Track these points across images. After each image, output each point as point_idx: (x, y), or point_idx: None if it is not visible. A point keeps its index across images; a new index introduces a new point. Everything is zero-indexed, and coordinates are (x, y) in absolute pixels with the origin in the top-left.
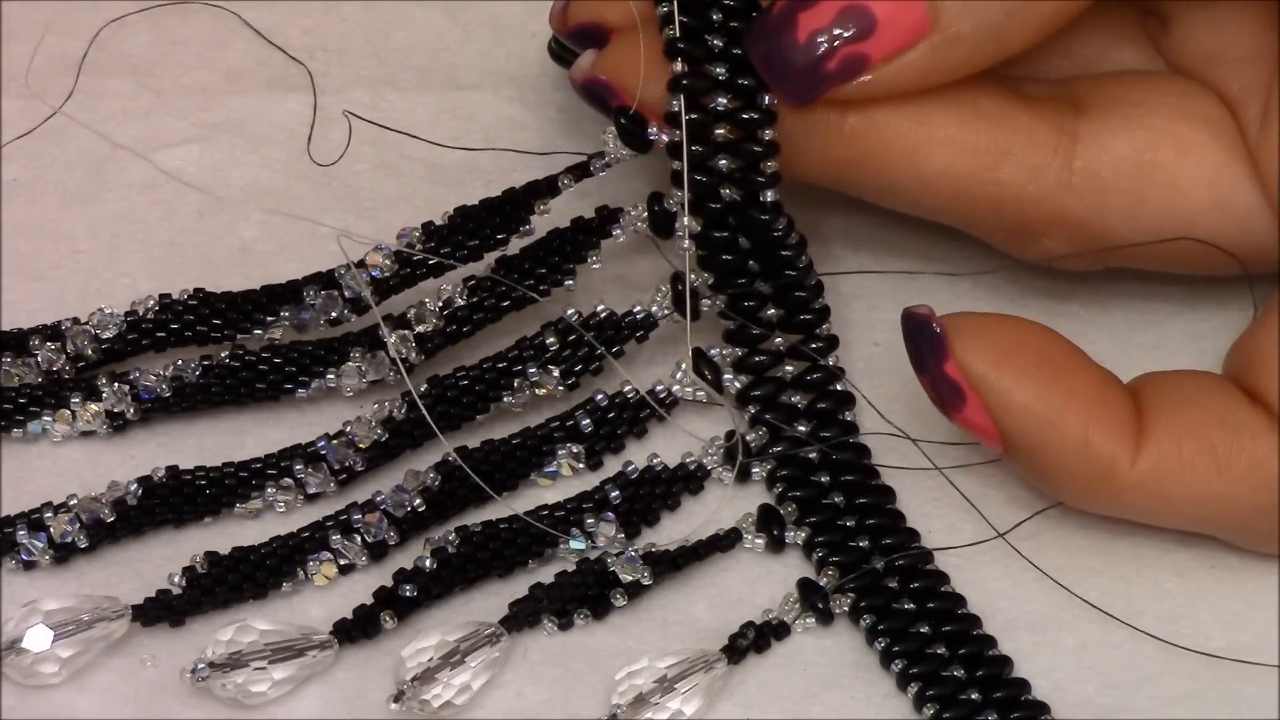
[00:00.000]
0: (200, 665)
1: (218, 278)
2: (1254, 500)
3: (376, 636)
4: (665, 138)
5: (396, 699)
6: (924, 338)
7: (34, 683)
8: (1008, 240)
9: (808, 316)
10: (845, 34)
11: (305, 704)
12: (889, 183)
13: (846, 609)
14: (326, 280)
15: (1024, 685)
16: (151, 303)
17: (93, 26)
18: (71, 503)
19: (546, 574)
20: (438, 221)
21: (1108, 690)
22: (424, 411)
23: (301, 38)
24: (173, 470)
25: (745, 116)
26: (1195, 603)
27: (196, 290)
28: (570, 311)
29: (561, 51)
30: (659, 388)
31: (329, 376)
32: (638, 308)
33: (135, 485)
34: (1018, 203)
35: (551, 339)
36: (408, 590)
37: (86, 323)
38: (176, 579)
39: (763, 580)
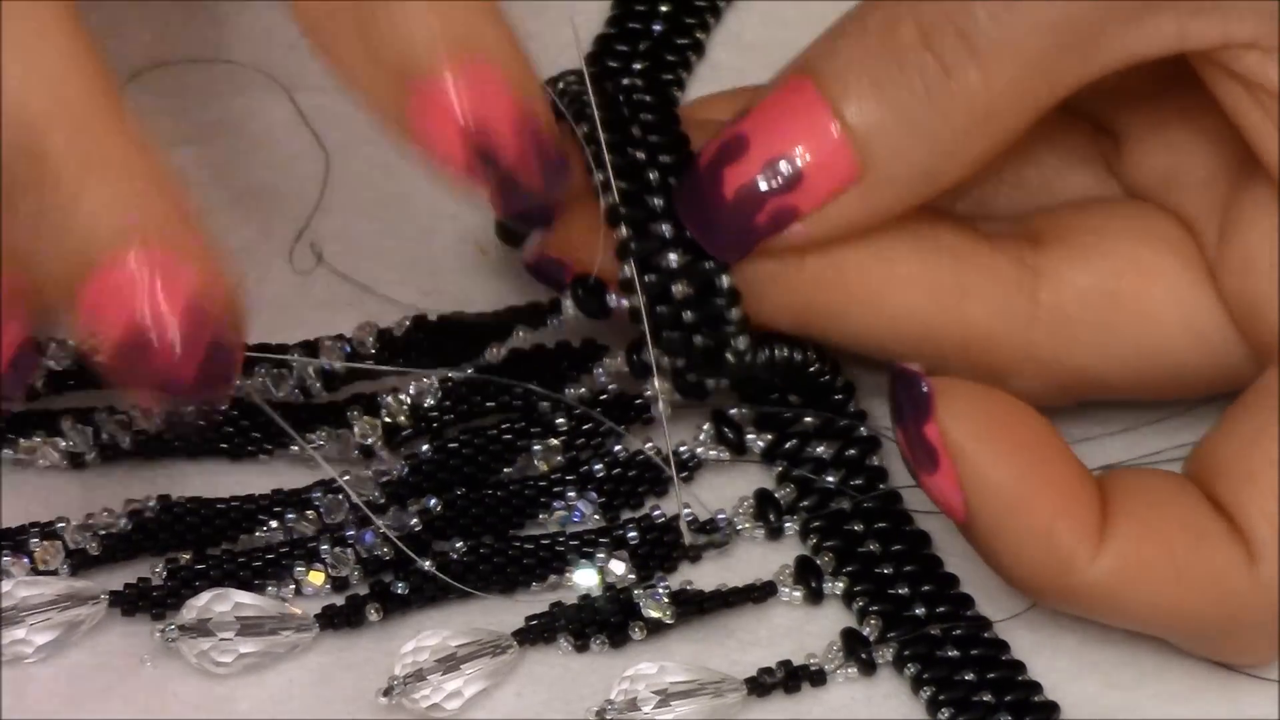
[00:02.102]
0: (170, 627)
1: None
2: (1209, 611)
3: (360, 626)
4: (625, 303)
5: (386, 693)
6: (910, 395)
7: (10, 656)
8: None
9: (824, 378)
10: (773, 186)
11: (300, 703)
12: (853, 326)
13: (890, 658)
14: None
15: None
16: None
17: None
18: (60, 526)
19: (548, 598)
20: (395, 331)
21: (1108, 690)
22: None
23: (302, 37)
24: (165, 502)
25: (700, 268)
26: None
27: None
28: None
29: (508, 233)
30: (682, 449)
31: (293, 449)
32: (648, 390)
33: (126, 520)
34: (985, 341)
35: (560, 418)
36: (400, 588)
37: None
38: (158, 569)
39: (794, 631)
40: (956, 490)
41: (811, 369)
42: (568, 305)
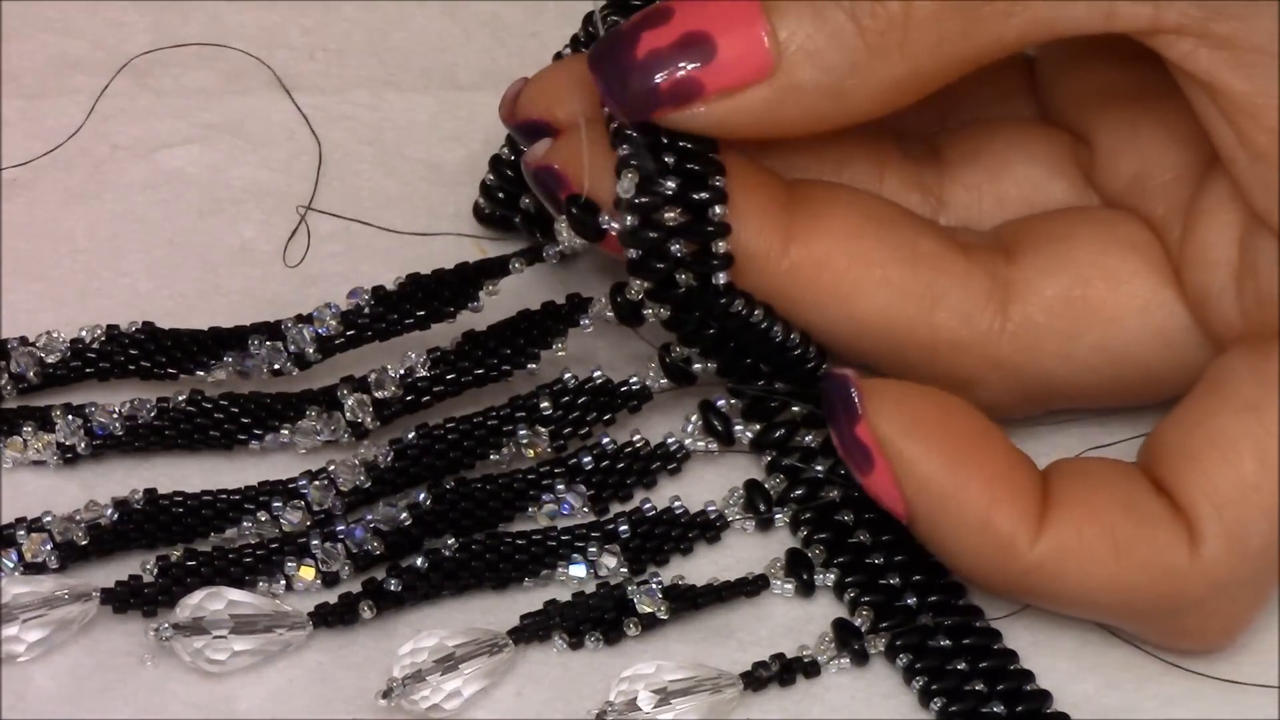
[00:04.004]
0: (164, 625)
1: (217, 278)
2: (1151, 589)
3: (353, 624)
4: (616, 225)
5: (385, 695)
6: (840, 397)
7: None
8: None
9: (809, 365)
10: (683, 58)
11: (302, 702)
12: (825, 321)
13: (882, 649)
14: (273, 331)
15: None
16: (99, 332)
17: (93, 27)
18: (46, 520)
19: (542, 595)
20: (389, 286)
21: (1108, 690)
22: None
23: (301, 37)
24: (151, 495)
25: (694, 198)
26: None
27: (145, 324)
28: (567, 375)
29: (488, 208)
30: (670, 440)
31: (283, 431)
32: (634, 379)
33: (111, 510)
34: (952, 349)
35: (545, 403)
36: (393, 585)
37: (34, 343)
38: (149, 566)
39: (793, 628)
40: (894, 488)
41: (796, 352)
42: (562, 228)
